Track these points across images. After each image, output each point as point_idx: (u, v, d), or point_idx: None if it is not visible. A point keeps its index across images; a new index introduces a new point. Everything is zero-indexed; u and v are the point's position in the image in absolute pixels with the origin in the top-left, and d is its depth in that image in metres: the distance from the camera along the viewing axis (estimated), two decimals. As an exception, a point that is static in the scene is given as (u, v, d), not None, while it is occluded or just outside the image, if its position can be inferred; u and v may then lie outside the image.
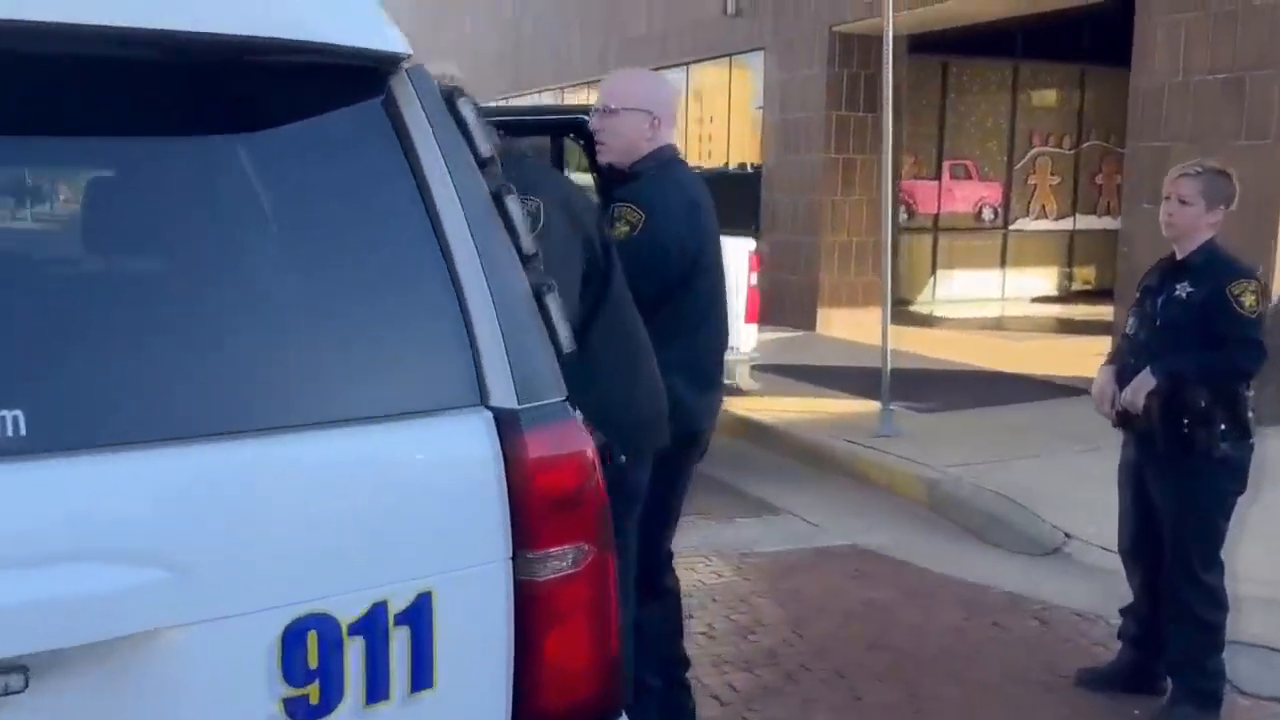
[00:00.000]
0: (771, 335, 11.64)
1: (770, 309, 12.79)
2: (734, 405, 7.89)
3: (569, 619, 1.55)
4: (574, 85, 18.13)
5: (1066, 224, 15.03)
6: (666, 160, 3.21)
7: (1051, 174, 14.84)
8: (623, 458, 2.61)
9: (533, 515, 1.51)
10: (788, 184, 12.64)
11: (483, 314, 1.52)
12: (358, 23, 1.55)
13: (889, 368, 7.57)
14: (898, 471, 6.62)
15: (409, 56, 1.58)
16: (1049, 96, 14.85)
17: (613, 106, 3.10)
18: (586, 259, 2.58)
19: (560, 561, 1.53)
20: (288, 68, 1.51)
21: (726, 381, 7.09)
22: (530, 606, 1.51)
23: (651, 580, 3.46)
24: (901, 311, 13.25)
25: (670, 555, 3.48)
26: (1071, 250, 15.16)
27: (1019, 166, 14.60)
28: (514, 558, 1.50)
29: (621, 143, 3.11)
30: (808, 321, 12.26)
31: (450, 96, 1.60)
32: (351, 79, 1.55)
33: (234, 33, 1.45)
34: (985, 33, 12.17)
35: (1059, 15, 11.45)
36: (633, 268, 3.01)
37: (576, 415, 1.59)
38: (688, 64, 14.59)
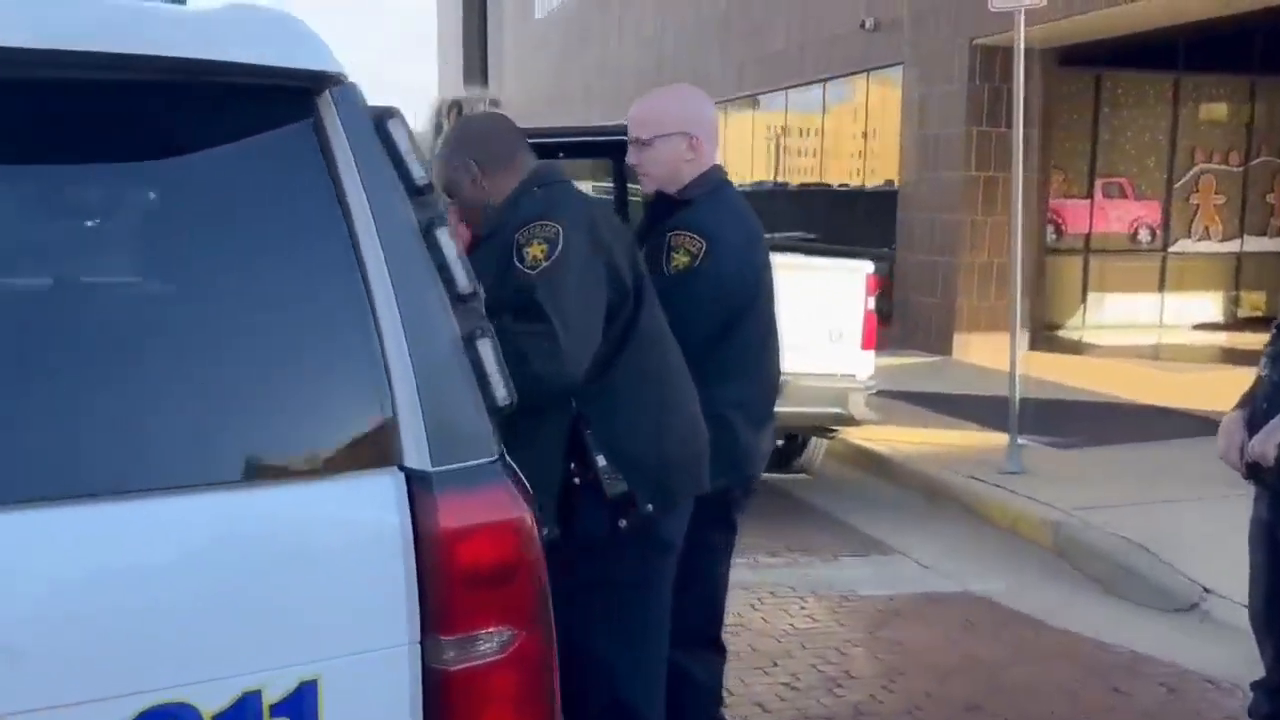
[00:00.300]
0: (902, 360, 11.19)
1: (904, 333, 12.33)
2: (851, 435, 7.54)
3: (492, 712, 1.34)
4: (713, 102, 17.96)
5: (1233, 245, 14.03)
6: (717, 184, 2.99)
7: (1216, 192, 13.88)
8: (649, 506, 2.39)
9: (447, 593, 1.31)
10: (925, 202, 12.16)
11: (398, 361, 1.33)
12: (280, 40, 1.39)
13: (1018, 397, 7.10)
14: (1021, 512, 6.16)
15: (339, 75, 1.41)
16: (1214, 110, 13.90)
17: (644, 137, 2.89)
18: (614, 289, 2.38)
19: (483, 645, 1.33)
20: (208, 89, 1.36)
21: (839, 410, 6.84)
22: (443, 698, 1.31)
23: (711, 631, 3.24)
24: (1049, 337, 12.61)
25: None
26: (1239, 273, 14.14)
27: (1180, 184, 13.70)
28: (423, 641, 1.30)
29: (662, 170, 2.90)
30: (944, 346, 11.74)
31: (381, 118, 1.42)
32: (278, 101, 1.39)
33: (151, 53, 1.31)
34: (1142, 43, 11.46)
35: (1226, 23, 10.68)
36: (693, 300, 2.81)
37: (507, 481, 1.38)
38: (824, 80, 14.26)
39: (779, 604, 5.03)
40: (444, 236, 1.39)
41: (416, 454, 1.32)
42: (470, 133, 2.55)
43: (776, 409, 6.77)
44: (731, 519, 3.11)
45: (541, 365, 2.21)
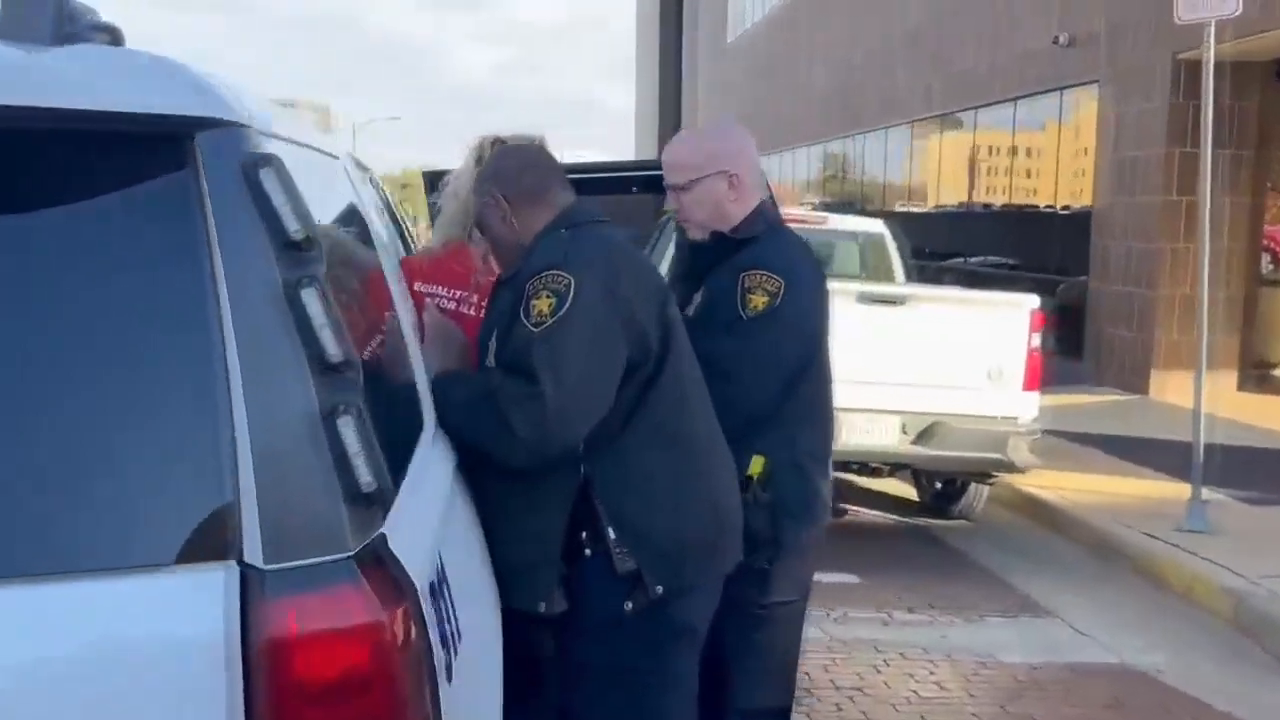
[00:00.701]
0: (1089, 398, 10.46)
1: (1096, 369, 11.53)
2: (1018, 480, 7.03)
3: None
4: (900, 123, 17.44)
5: None
6: (774, 220, 2.76)
7: None
8: (659, 588, 2.16)
9: (280, 710, 1.14)
10: (1121, 228, 11.34)
11: (243, 440, 1.18)
12: (140, 83, 1.27)
13: (1202, 444, 6.43)
14: (1198, 576, 5.54)
15: (212, 119, 1.28)
16: None
17: (682, 182, 2.68)
18: (633, 348, 2.16)
19: (329, 770, 1.15)
20: (60, 138, 1.26)
21: (998, 456, 6.35)
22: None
23: (784, 701, 2.97)
24: (1262, 377, 11.52)
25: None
26: None
27: None
28: (251, 766, 1.14)
29: (705, 214, 2.69)
30: (1139, 384, 10.88)
31: (254, 165, 1.28)
32: (146, 150, 1.27)
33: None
34: (1377, 52, 10.35)
35: None
36: (774, 342, 2.60)
37: (362, 581, 1.20)
38: (1015, 99, 13.55)
39: (906, 667, 4.65)
40: (311, 298, 1.23)
41: (251, 549, 1.17)
42: (502, 166, 2.39)
43: (931, 452, 6.39)
44: (806, 581, 2.85)
45: (525, 429, 2.03)
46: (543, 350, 2.05)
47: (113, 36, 1.59)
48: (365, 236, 2.10)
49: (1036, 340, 6.39)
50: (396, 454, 1.71)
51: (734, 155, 2.68)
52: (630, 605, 2.14)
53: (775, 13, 25.19)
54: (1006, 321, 6.35)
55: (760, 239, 2.67)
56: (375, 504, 1.26)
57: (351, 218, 2.09)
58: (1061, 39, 12.12)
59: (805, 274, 2.70)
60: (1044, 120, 13.24)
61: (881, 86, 18.10)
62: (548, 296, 2.08)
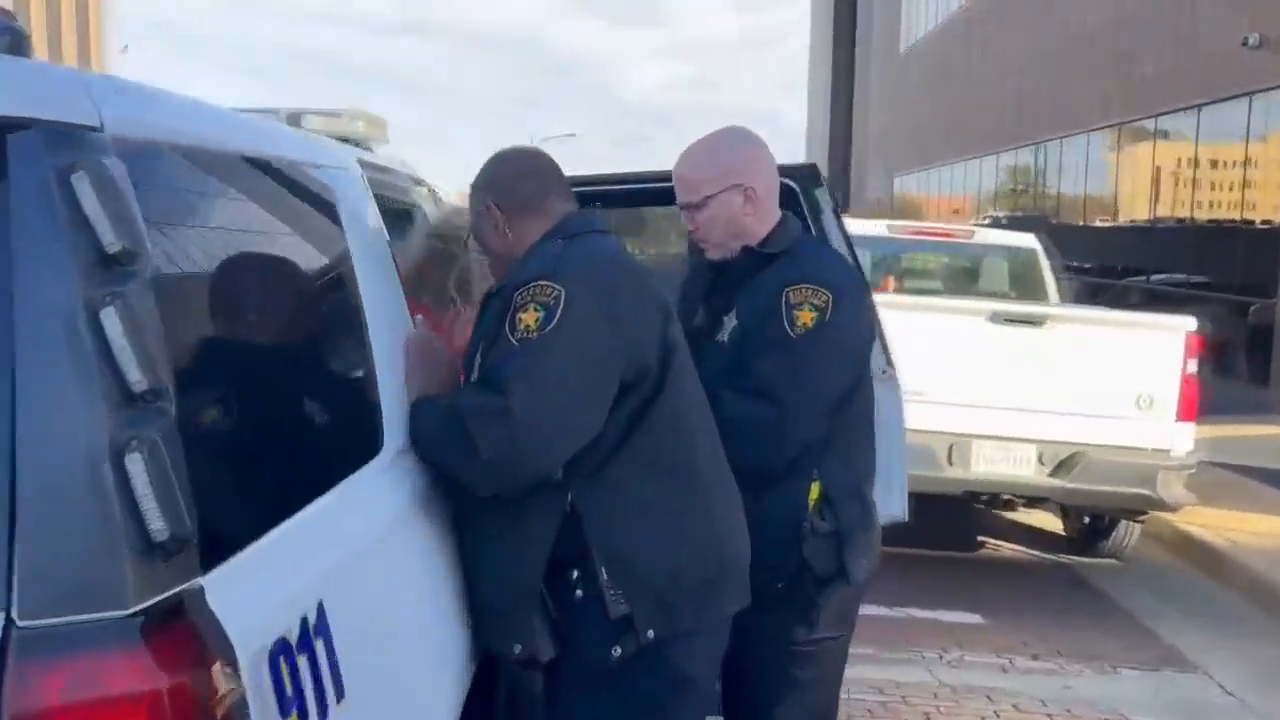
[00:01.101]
0: (1268, 429, 9.57)
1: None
2: (1176, 518, 6.43)
3: None
4: (1078, 133, 16.54)
5: None
6: (801, 233, 2.50)
7: None
8: (650, 633, 1.95)
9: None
10: (1316, 245, 10.37)
11: (14, 477, 1.06)
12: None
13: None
14: (1374, 637, 4.92)
15: (37, 121, 1.16)
16: None
17: (695, 200, 2.45)
18: (628, 368, 1.97)
19: None
20: None
21: (1146, 492, 5.80)
22: None
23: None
24: None
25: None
26: None
27: None
28: None
29: (721, 233, 2.45)
30: (1334, 415, 9.91)
31: (67, 170, 1.15)
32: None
33: None
34: None
35: None
36: (826, 359, 2.37)
37: (140, 643, 1.05)
38: (1199, 106, 12.61)
39: (1013, 718, 4.26)
40: (112, 318, 1.10)
41: (12, 602, 1.04)
42: (497, 173, 2.21)
43: (1070, 485, 5.90)
44: (852, 616, 2.60)
45: (490, 449, 1.84)
46: (520, 364, 1.88)
47: (13, 38, 1.50)
48: (338, 250, 1.98)
49: (1193, 366, 5.82)
50: (305, 485, 1.57)
51: (747, 166, 2.44)
52: (619, 651, 1.94)
53: (949, 20, 24.40)
54: (1159, 345, 5.81)
55: (794, 251, 2.44)
56: (178, 554, 1.12)
57: (321, 229, 1.97)
58: (1251, 40, 11.21)
59: (850, 284, 2.46)
60: (1232, 128, 12.27)
61: (1056, 94, 17.24)
62: (535, 309, 1.91)
